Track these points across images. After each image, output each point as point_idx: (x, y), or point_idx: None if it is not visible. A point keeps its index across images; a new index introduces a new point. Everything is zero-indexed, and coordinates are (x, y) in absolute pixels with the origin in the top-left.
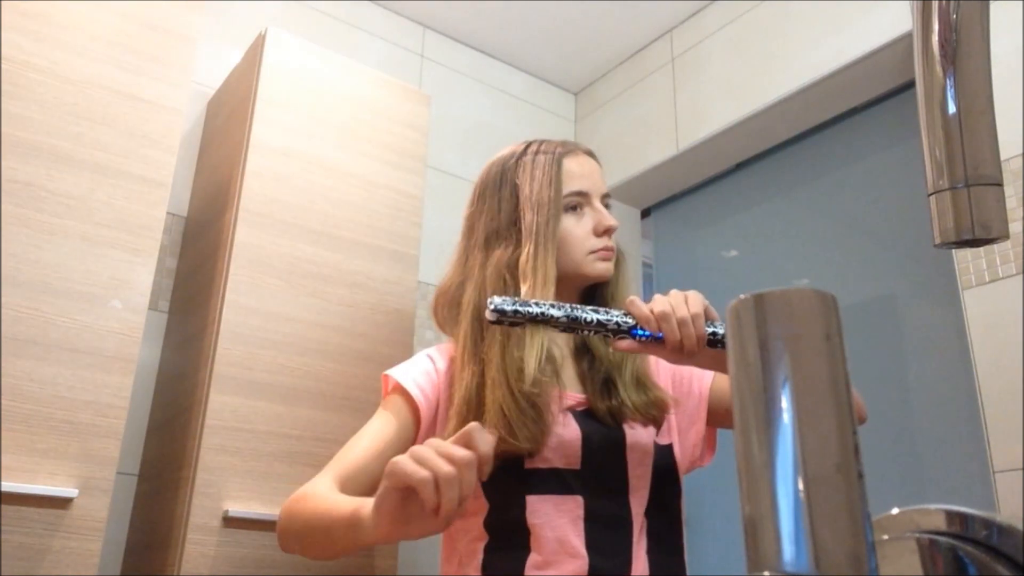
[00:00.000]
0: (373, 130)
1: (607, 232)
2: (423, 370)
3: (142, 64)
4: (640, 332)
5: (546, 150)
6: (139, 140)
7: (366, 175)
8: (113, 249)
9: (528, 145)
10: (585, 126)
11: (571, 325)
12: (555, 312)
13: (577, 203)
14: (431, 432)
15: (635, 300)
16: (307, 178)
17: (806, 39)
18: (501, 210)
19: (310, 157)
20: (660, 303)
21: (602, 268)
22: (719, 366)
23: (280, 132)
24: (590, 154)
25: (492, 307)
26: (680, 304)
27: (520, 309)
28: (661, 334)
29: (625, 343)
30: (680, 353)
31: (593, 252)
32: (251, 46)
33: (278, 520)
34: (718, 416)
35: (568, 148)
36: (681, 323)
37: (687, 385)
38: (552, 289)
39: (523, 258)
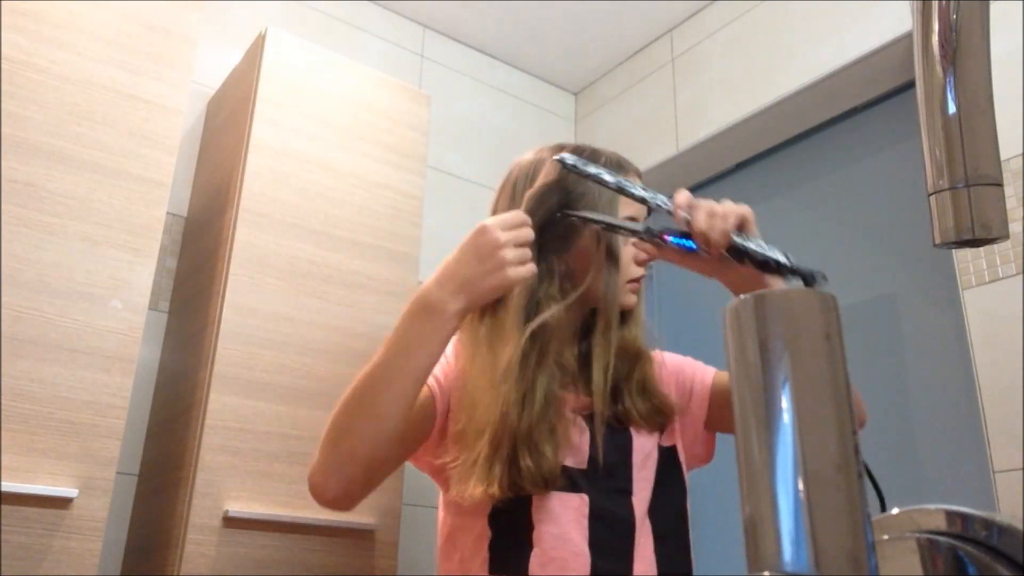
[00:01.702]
0: (373, 130)
1: (647, 262)
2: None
3: (142, 64)
4: (675, 240)
5: (605, 166)
6: (139, 140)
7: (366, 175)
8: (113, 249)
9: (574, 151)
10: (585, 126)
11: (620, 190)
12: (608, 177)
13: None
14: (446, 413)
15: (680, 199)
16: (307, 178)
17: (806, 39)
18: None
19: (310, 157)
20: (697, 204)
21: (632, 300)
22: (747, 285)
23: (280, 132)
24: (639, 175)
25: (562, 158)
26: (717, 206)
27: (581, 165)
28: (692, 244)
29: (650, 248)
30: (708, 253)
31: (630, 281)
32: (251, 46)
33: (314, 468)
34: (720, 413)
35: (624, 167)
36: (710, 214)
37: (689, 384)
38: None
39: (573, 274)
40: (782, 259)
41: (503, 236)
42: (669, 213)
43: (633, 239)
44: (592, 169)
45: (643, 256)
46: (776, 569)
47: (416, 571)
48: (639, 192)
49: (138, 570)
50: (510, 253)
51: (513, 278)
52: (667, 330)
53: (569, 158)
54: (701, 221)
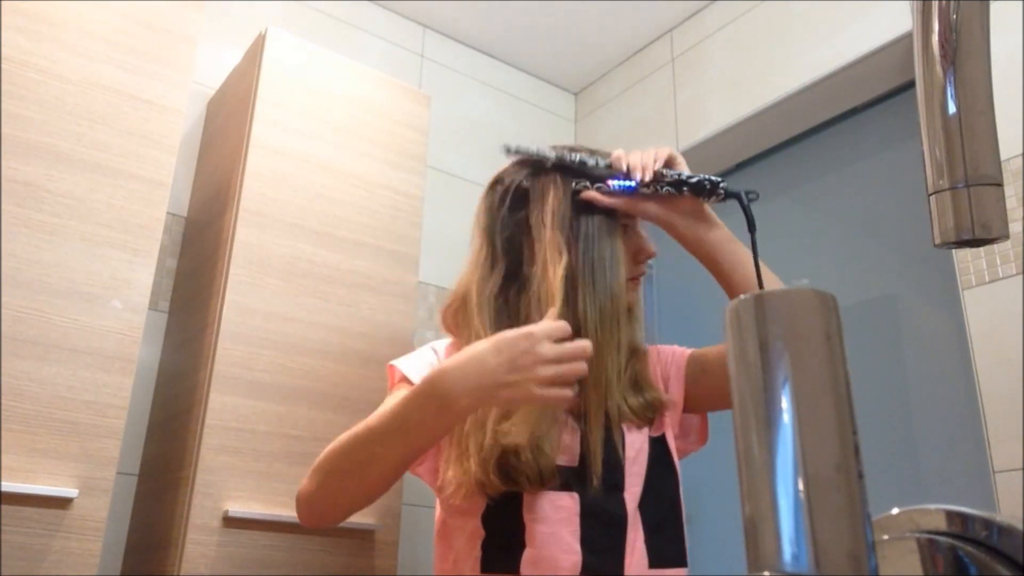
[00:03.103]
0: (373, 130)
1: (646, 259)
2: (428, 363)
3: (142, 64)
4: (617, 185)
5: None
6: (139, 140)
7: (366, 175)
8: (113, 249)
9: (575, 154)
10: (585, 126)
11: (560, 162)
12: (549, 154)
13: (624, 225)
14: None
15: (619, 154)
16: (307, 178)
17: (806, 39)
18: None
19: (310, 157)
20: (632, 152)
21: (633, 298)
22: (690, 219)
23: (280, 132)
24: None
25: (510, 149)
26: (646, 150)
27: (522, 148)
28: (633, 185)
29: (591, 193)
30: (645, 186)
31: (631, 279)
32: (251, 46)
33: (301, 492)
34: (697, 390)
35: (595, 154)
36: (640, 155)
37: (667, 370)
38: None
39: (579, 275)
40: (714, 178)
41: (548, 352)
42: (609, 167)
43: (580, 188)
44: (534, 148)
45: (643, 255)
46: (776, 569)
47: (416, 571)
48: (579, 158)
49: (138, 570)
50: (549, 371)
51: (540, 398)
52: (667, 330)
53: (510, 145)
54: (633, 158)
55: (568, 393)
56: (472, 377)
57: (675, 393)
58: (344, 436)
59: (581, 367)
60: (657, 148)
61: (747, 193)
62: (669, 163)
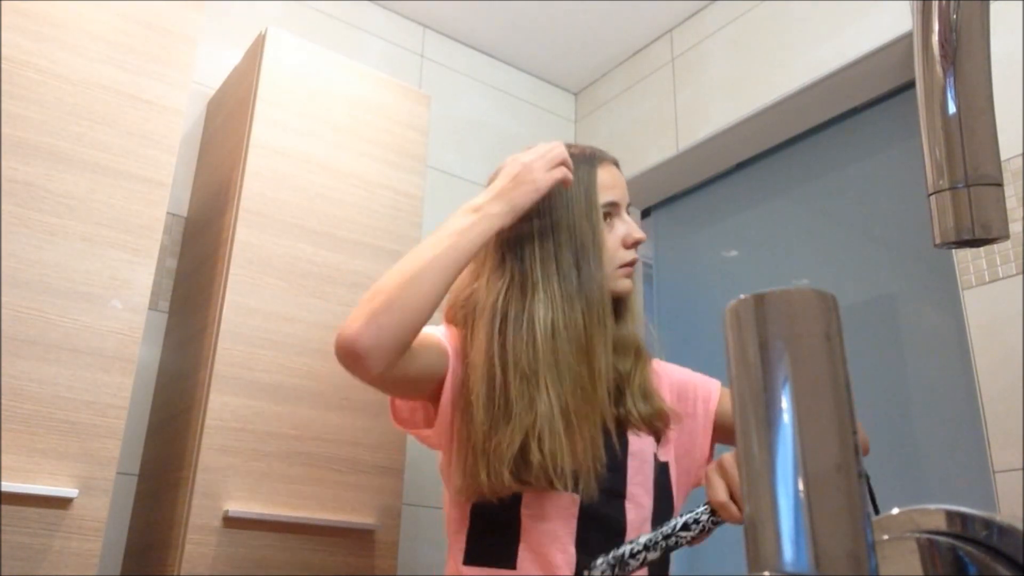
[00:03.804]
0: (373, 130)
1: (635, 244)
2: (444, 333)
3: (142, 64)
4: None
5: (580, 159)
6: (139, 140)
7: (366, 175)
8: (113, 249)
9: None
10: (585, 126)
11: (670, 549)
12: (652, 555)
13: (608, 213)
14: (456, 383)
15: (726, 505)
16: (307, 178)
17: (806, 39)
18: (529, 215)
19: (310, 157)
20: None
21: (626, 285)
22: None
23: (280, 132)
24: (616, 164)
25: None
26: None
27: (619, 572)
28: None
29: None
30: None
31: (622, 266)
32: (251, 46)
33: (343, 327)
34: (724, 435)
35: (598, 157)
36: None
37: (691, 405)
38: (584, 299)
39: (564, 266)
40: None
41: (531, 157)
42: (714, 521)
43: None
44: (633, 564)
45: (631, 240)
46: (776, 569)
47: (416, 571)
48: (687, 535)
49: (138, 570)
50: (539, 164)
51: (542, 183)
52: (667, 330)
53: (600, 571)
54: (734, 510)
55: (563, 170)
56: (489, 193)
57: (702, 439)
58: (390, 270)
59: (558, 152)
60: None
61: None
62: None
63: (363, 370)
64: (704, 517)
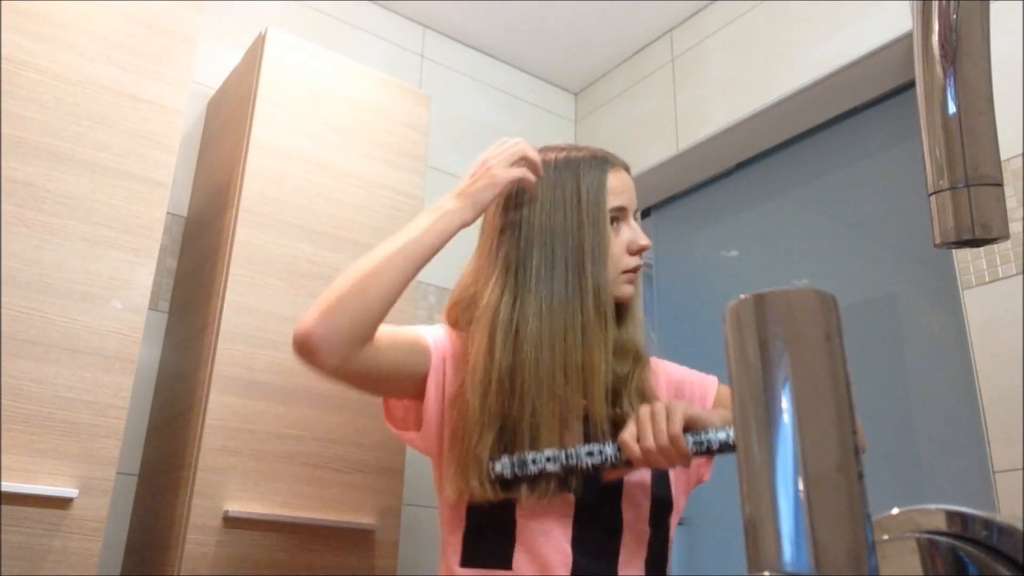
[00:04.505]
0: (373, 130)
1: (640, 251)
2: (436, 334)
3: (142, 64)
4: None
5: (591, 162)
6: (139, 140)
7: (366, 175)
8: (113, 249)
9: (564, 152)
10: (585, 126)
11: (568, 471)
12: (551, 466)
13: (615, 217)
14: (440, 380)
15: (627, 441)
16: (307, 178)
17: (806, 39)
18: (530, 216)
19: (310, 157)
20: (645, 437)
21: (629, 291)
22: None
23: (280, 132)
24: (626, 169)
25: (496, 471)
26: (661, 431)
27: (519, 472)
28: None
29: (614, 474)
30: (675, 465)
31: (625, 272)
32: (251, 46)
33: (299, 322)
34: None
35: (610, 161)
36: (662, 451)
37: (688, 402)
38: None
39: (567, 269)
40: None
41: (488, 154)
42: (619, 453)
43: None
44: (532, 469)
45: (636, 246)
46: (776, 569)
47: (416, 571)
48: (588, 462)
49: (138, 570)
50: (495, 160)
51: (500, 178)
52: (667, 330)
53: (501, 467)
54: (659, 463)
55: (517, 170)
56: (450, 193)
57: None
58: (340, 277)
59: (516, 149)
60: (668, 411)
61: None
62: (690, 423)
63: (317, 363)
64: (608, 450)
